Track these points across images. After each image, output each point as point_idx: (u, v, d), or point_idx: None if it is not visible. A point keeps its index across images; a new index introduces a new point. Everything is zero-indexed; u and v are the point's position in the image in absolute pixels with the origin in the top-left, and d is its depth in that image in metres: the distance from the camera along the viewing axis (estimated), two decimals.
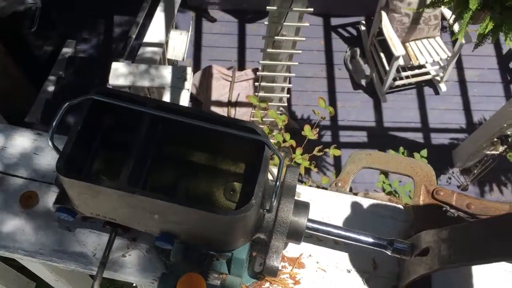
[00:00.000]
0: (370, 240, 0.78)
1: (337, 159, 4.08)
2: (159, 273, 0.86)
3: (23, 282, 1.66)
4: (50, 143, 0.70)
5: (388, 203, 0.92)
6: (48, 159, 0.94)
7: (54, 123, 0.71)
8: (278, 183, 0.70)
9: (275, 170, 0.77)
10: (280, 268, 0.86)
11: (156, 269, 0.86)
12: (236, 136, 0.72)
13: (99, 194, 0.70)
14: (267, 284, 0.85)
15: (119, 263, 0.86)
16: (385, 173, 3.68)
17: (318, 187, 3.60)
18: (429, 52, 4.13)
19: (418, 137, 4.32)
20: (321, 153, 3.02)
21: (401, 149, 3.75)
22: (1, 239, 0.86)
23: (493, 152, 3.87)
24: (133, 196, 0.68)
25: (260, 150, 0.74)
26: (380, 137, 4.29)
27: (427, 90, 4.49)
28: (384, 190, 3.83)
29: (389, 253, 0.78)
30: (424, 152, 3.69)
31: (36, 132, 0.96)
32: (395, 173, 0.93)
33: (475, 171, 4.02)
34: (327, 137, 4.32)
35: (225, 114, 4.12)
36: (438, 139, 4.33)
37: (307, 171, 3.43)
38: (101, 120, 0.79)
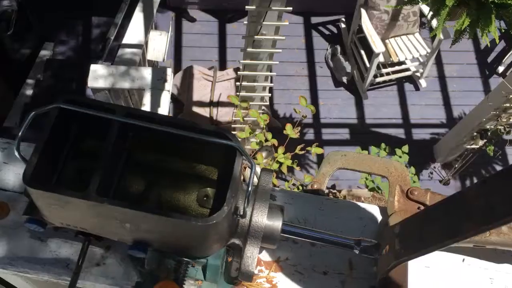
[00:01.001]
0: (337, 240, 0.79)
1: (320, 156, 4.08)
2: (134, 282, 0.85)
3: None
4: (16, 153, 0.68)
5: (363, 205, 0.92)
6: (17, 168, 0.92)
7: (20, 133, 0.69)
8: (250, 188, 0.70)
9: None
10: (256, 272, 0.85)
11: (131, 277, 0.85)
12: (208, 142, 0.71)
13: (68, 204, 0.69)
14: None
15: (93, 272, 0.85)
16: None
17: (301, 185, 3.61)
18: (409, 48, 4.17)
19: (399, 133, 4.35)
20: (303, 152, 3.02)
21: (383, 145, 3.77)
22: None
23: (473, 146, 3.92)
24: (102, 205, 0.67)
25: (233, 155, 0.73)
26: (362, 134, 4.32)
27: (408, 86, 4.53)
28: (367, 187, 3.86)
29: (356, 252, 0.78)
30: (406, 148, 3.73)
31: (5, 140, 0.94)
32: (370, 173, 0.93)
33: (456, 165, 4.06)
34: (310, 135, 4.33)
35: (207, 115, 4.10)
36: (419, 134, 4.37)
37: (290, 169, 3.44)
38: (70, 128, 0.77)
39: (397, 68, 4.36)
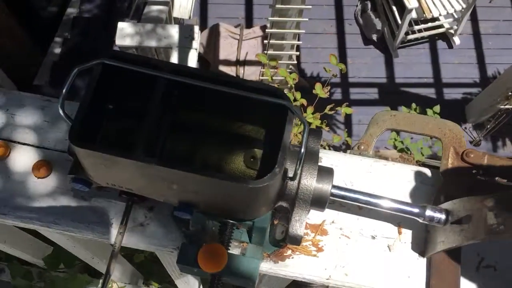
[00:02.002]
0: (401, 207, 0.75)
1: (348, 117, 4.03)
2: (178, 242, 0.84)
3: (40, 247, 1.67)
4: (61, 112, 0.66)
5: (414, 167, 0.88)
6: (58, 126, 0.90)
7: (64, 90, 0.67)
8: (303, 149, 0.66)
9: None
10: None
11: (175, 238, 0.84)
12: (257, 100, 0.68)
13: (115, 164, 0.67)
14: (289, 252, 0.83)
15: (137, 232, 0.84)
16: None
17: (329, 146, 3.57)
18: (443, 3, 3.99)
19: (430, 92, 4.24)
20: (332, 112, 2.97)
21: (413, 105, 3.68)
22: (15, 209, 0.84)
23: (507, 106, 3.79)
24: (150, 166, 0.64)
25: (282, 114, 0.69)
26: (392, 94, 4.22)
27: (440, 44, 4.37)
28: (395, 147, 3.79)
29: (420, 220, 0.74)
30: (437, 108, 3.62)
31: (46, 98, 0.92)
32: (421, 134, 0.88)
33: (488, 126, 3.96)
34: (337, 94, 4.25)
35: (234, 74, 4.05)
36: (451, 94, 4.25)
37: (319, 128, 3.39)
38: (112, 85, 0.74)
39: (430, 24, 4.19)
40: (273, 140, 0.77)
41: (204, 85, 0.67)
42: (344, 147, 3.86)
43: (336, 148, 3.52)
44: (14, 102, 0.91)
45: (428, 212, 0.73)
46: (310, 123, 2.97)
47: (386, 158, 3.99)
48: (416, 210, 0.74)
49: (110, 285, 1.89)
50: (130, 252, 1.97)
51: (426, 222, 0.75)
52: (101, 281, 1.88)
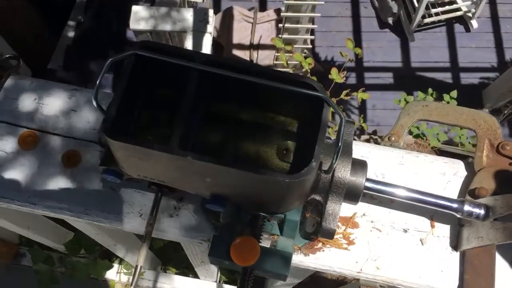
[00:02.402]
0: (438, 201, 0.73)
1: (362, 102, 3.98)
2: (207, 234, 0.84)
3: (61, 232, 1.68)
4: (94, 103, 0.65)
5: (446, 159, 0.87)
6: (86, 116, 0.89)
7: (98, 82, 0.66)
8: (340, 143, 0.65)
9: None
10: None
11: (204, 229, 0.84)
12: (291, 92, 0.66)
13: (149, 157, 0.66)
14: (320, 245, 0.82)
15: (166, 223, 0.84)
16: None
17: None
18: None
19: (446, 77, 4.18)
20: (348, 97, 2.94)
21: (430, 90, 3.63)
22: (46, 199, 0.84)
23: None
24: (185, 159, 0.64)
25: (317, 107, 0.68)
26: (408, 78, 4.16)
27: (458, 28, 4.29)
28: (411, 133, 3.76)
29: (459, 215, 0.73)
30: (454, 93, 3.57)
31: (73, 87, 0.91)
32: (455, 126, 0.86)
33: (506, 112, 3.90)
34: (352, 79, 4.20)
35: (247, 58, 4.01)
36: (468, 78, 4.18)
37: (333, 115, 3.36)
38: (144, 75, 0.73)
39: (447, 8, 4.11)
40: (306, 132, 0.76)
41: (239, 76, 0.65)
42: (359, 132, 3.83)
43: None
44: (42, 91, 0.90)
45: (467, 207, 0.72)
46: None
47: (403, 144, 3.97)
48: (454, 205, 0.72)
49: (129, 271, 1.90)
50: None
51: (465, 218, 0.73)
52: (131, 273, 1.89)
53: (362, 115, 3.92)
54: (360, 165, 0.75)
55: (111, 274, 1.95)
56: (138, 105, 0.75)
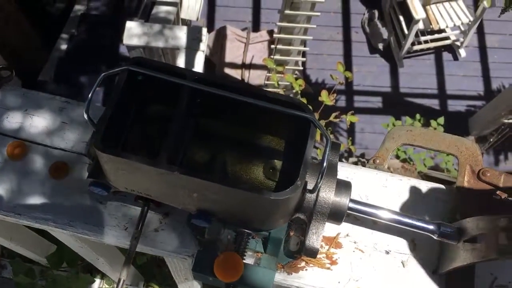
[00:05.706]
0: (416, 223, 0.75)
1: (351, 125, 4.02)
2: (192, 250, 0.84)
3: (44, 245, 1.67)
4: (86, 116, 0.66)
5: (429, 184, 0.89)
6: (76, 128, 0.90)
7: (90, 95, 0.67)
8: (325, 164, 0.67)
9: None
10: None
11: (189, 245, 0.84)
12: (279, 112, 0.68)
13: (136, 170, 0.67)
14: (303, 264, 0.83)
15: (151, 238, 0.84)
16: None
17: None
18: (451, 15, 4.01)
19: (434, 104, 4.25)
20: (337, 120, 2.97)
21: (417, 116, 3.69)
22: (32, 209, 0.84)
23: (510, 120, 3.81)
24: (172, 174, 0.65)
25: (304, 127, 0.70)
26: (396, 104, 4.23)
27: (446, 56, 4.39)
28: (398, 157, 3.80)
29: (435, 237, 0.75)
30: (441, 120, 3.63)
31: (64, 100, 0.92)
32: (437, 151, 0.89)
33: (491, 140, 3.97)
34: (341, 102, 4.26)
35: (239, 77, 4.05)
36: (455, 106, 4.26)
37: (321, 137, 3.40)
38: (136, 90, 0.75)
39: (436, 36, 4.21)
40: (293, 151, 0.78)
41: (229, 95, 0.67)
42: (347, 155, 3.86)
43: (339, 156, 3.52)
44: (33, 102, 0.91)
45: (442, 229, 0.74)
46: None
47: (387, 168, 4.01)
48: (430, 227, 0.74)
49: (111, 286, 1.88)
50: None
51: (440, 239, 0.75)
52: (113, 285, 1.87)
53: (350, 138, 3.96)
54: (344, 186, 0.76)
55: None
56: (129, 119, 0.76)
